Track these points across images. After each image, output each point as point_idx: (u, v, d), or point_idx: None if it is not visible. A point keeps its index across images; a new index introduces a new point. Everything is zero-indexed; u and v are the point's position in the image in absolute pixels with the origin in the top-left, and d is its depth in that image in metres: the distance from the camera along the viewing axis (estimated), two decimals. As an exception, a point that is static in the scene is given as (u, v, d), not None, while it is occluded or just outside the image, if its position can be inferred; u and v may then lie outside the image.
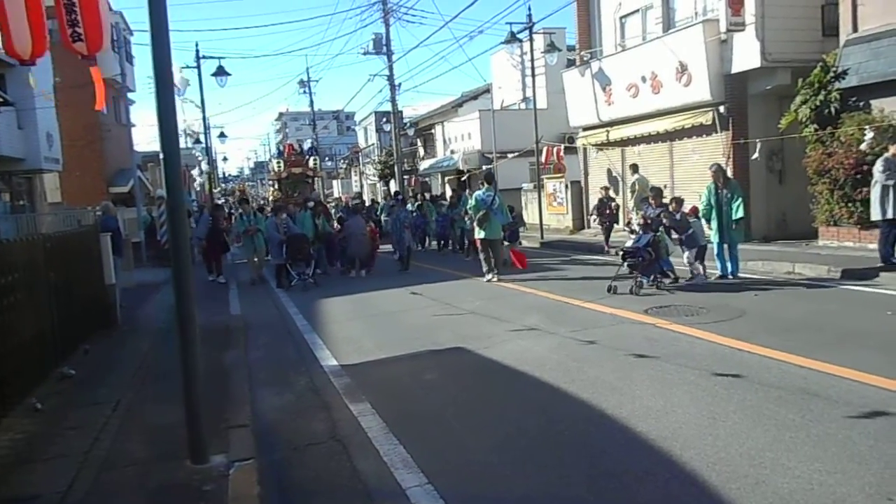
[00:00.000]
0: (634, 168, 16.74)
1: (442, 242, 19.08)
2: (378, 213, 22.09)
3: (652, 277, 9.80)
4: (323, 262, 15.04)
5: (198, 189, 44.37)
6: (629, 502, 3.63)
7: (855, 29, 12.49)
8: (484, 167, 26.09)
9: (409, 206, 19.60)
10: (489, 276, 12.17)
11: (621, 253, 9.79)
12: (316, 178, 29.80)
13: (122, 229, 16.52)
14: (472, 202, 12.78)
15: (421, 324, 8.89)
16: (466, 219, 15.04)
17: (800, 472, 3.74)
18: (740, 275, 10.47)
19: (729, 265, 10.47)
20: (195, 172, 45.79)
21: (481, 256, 12.43)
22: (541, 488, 3.85)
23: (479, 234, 12.30)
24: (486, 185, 12.51)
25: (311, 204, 16.25)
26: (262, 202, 42.91)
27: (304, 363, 7.26)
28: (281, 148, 32.33)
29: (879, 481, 3.58)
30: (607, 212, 15.58)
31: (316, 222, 14.98)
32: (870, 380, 5.13)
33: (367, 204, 27.45)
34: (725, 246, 10.41)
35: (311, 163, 28.02)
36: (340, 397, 5.87)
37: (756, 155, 13.91)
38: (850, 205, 12.10)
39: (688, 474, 3.84)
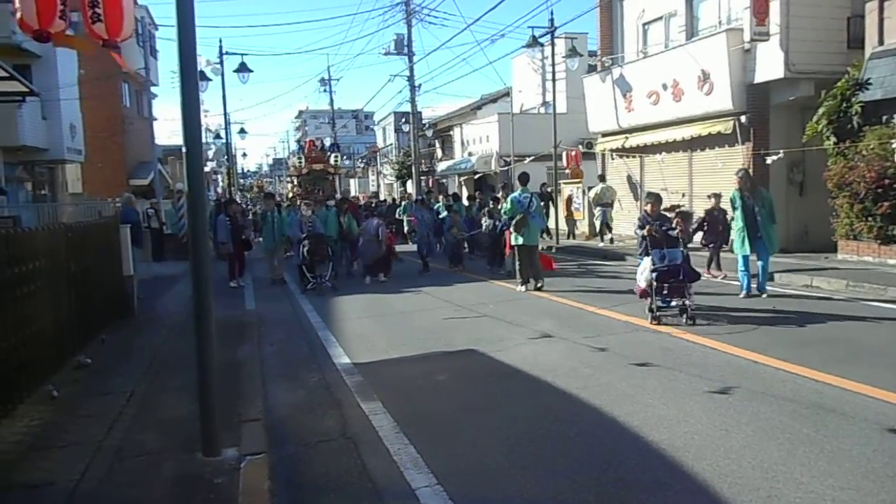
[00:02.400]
0: (602, 178, 19.08)
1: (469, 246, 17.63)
2: (402, 213, 21.39)
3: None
4: (346, 263, 14.55)
5: (218, 185, 44.46)
6: (639, 511, 3.62)
7: (881, 42, 12.36)
8: (499, 170, 26.12)
9: (437, 207, 18.19)
10: (523, 287, 11.30)
11: (654, 274, 8.15)
12: (336, 176, 29.65)
13: (143, 221, 16.67)
14: (506, 205, 11.78)
15: (434, 325, 8.90)
16: (484, 221, 14.47)
17: (813, 488, 3.70)
18: (754, 286, 9.76)
19: (756, 278, 9.66)
20: (211, 165, 45.81)
21: (516, 266, 11.60)
22: (550, 493, 3.84)
23: (515, 241, 11.42)
24: (521, 187, 11.57)
25: (331, 202, 15.57)
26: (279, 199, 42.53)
27: (316, 360, 7.30)
28: (302, 143, 32.04)
29: (893, 499, 3.54)
30: (720, 228, 11.80)
31: (341, 220, 14.24)
32: (887, 396, 5.07)
33: (387, 203, 27.17)
34: (752, 259, 9.63)
35: (332, 160, 27.82)
36: (352, 395, 5.89)
37: (771, 160, 13.65)
38: (869, 219, 11.97)
39: (699, 485, 3.82)
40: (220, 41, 29.41)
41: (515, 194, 11.60)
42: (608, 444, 4.50)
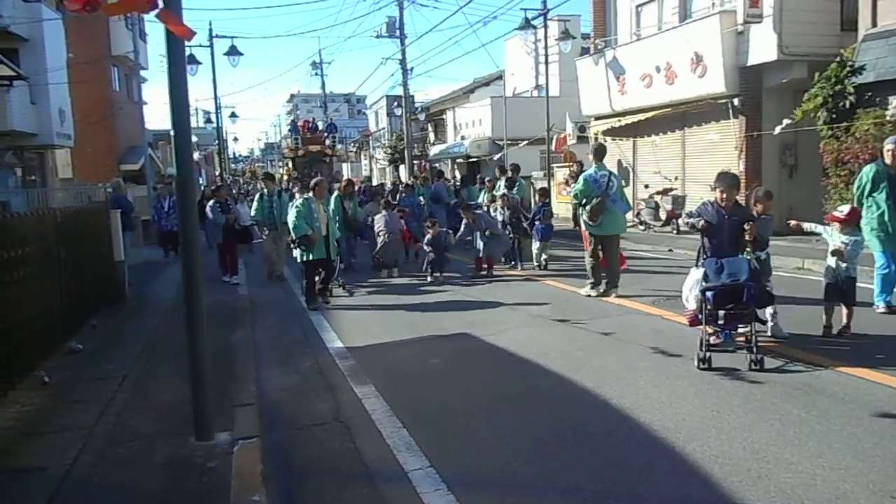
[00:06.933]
0: (503, 171, 15.52)
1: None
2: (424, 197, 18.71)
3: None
4: (349, 254, 12.81)
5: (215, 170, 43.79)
6: (631, 493, 3.64)
7: (874, 24, 12.31)
8: (495, 155, 26.01)
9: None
10: (594, 291, 9.09)
11: (709, 296, 5.56)
12: (333, 158, 28.82)
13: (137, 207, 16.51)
14: (579, 185, 9.22)
15: (427, 309, 8.90)
16: (495, 211, 12.71)
17: (803, 468, 3.73)
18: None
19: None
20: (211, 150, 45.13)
21: (588, 262, 9.26)
22: (542, 475, 3.86)
23: (592, 230, 9.09)
24: (596, 163, 9.18)
25: (336, 185, 14.08)
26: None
27: (309, 344, 7.29)
28: (297, 123, 30.86)
29: (883, 479, 3.57)
30: None
31: (345, 206, 12.37)
32: (877, 378, 5.10)
33: (387, 188, 25.45)
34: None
35: (329, 141, 27.19)
36: (345, 379, 5.90)
37: (779, 129, 13.39)
38: (863, 200, 11.96)
39: (690, 466, 3.84)
40: (210, 24, 29.16)
41: (590, 172, 9.21)
42: (601, 426, 4.52)
